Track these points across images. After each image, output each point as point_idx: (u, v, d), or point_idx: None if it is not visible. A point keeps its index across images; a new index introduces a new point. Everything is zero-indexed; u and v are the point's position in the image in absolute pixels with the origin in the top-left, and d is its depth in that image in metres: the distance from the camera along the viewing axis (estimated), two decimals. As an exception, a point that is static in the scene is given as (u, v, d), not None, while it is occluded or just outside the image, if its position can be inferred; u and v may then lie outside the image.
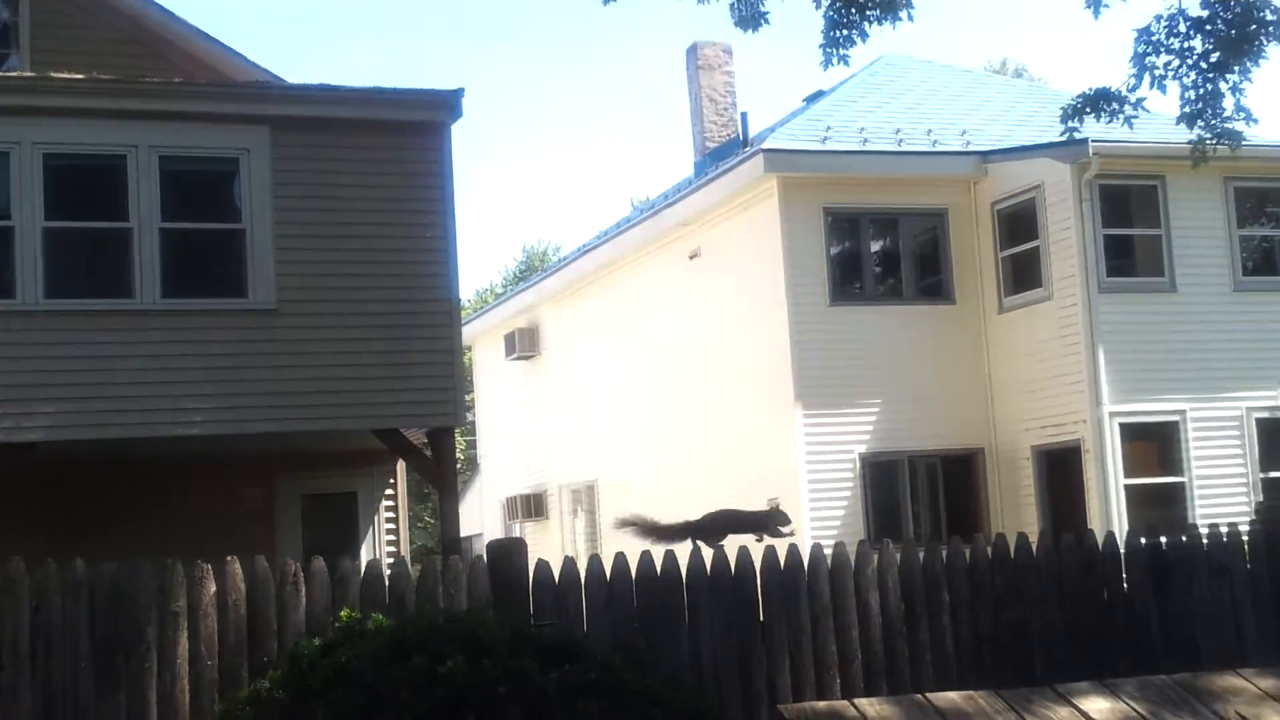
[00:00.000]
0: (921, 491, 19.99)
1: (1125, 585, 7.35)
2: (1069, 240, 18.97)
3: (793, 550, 7.00)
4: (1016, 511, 19.64)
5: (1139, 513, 18.20)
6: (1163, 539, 7.46)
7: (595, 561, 6.72)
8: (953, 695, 6.37)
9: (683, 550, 7.19)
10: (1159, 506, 18.66)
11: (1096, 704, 6.25)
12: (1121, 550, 7.39)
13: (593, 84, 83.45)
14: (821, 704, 6.41)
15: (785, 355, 19.51)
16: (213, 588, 6.33)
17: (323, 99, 14.71)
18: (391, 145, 14.70)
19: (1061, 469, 19.31)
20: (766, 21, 9.64)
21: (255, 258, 14.04)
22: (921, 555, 7.24)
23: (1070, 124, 10.92)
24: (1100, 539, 7.53)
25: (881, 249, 20.88)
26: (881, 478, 19.70)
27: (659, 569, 6.76)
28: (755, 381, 20.23)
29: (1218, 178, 19.08)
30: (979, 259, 20.40)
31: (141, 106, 13.83)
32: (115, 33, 16.61)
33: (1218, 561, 7.47)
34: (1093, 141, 17.98)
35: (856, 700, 6.36)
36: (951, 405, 20.03)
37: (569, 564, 6.71)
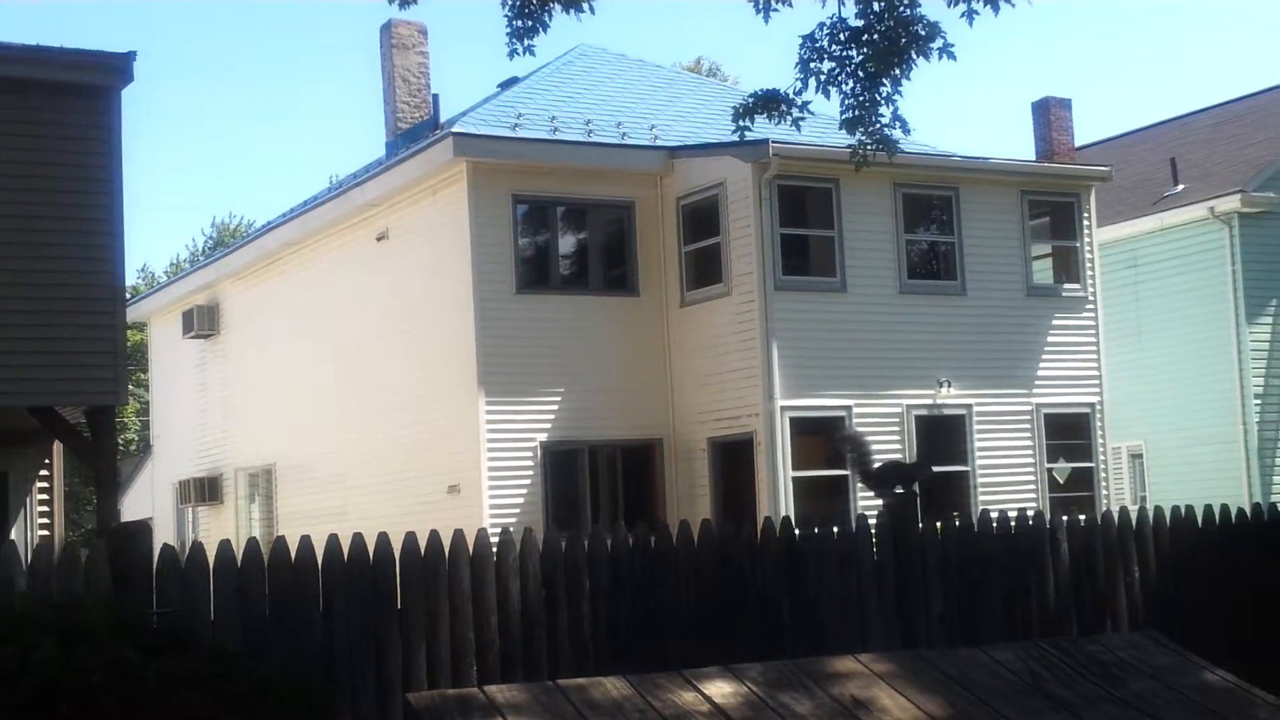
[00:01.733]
0: (602, 480, 20.27)
1: (761, 574, 7.58)
2: (748, 237, 19.50)
3: (433, 537, 6.95)
4: (692, 501, 20.12)
5: (806, 504, 18.90)
6: (796, 530, 7.72)
7: (225, 547, 6.52)
8: (582, 681, 6.45)
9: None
10: (825, 498, 19.41)
11: (720, 687, 6.42)
12: (758, 540, 7.61)
13: (297, 55, 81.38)
14: (451, 691, 6.39)
15: (470, 342, 19.44)
16: None
17: (-24, 54, 13.82)
18: (54, 109, 13.93)
19: (735, 460, 19.86)
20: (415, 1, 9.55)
21: (-103, 223, 13.10)
22: (564, 543, 7.30)
23: (741, 123, 11.17)
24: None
25: (570, 239, 21.04)
26: (562, 466, 19.87)
27: (293, 556, 6.60)
28: (440, 367, 20.10)
29: (887, 183, 19.96)
30: (664, 253, 20.77)
31: None
32: None
33: (846, 552, 7.79)
34: (773, 142, 18.53)
35: (487, 687, 6.36)
36: (633, 396, 20.34)
37: (196, 549, 6.48)
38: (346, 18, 76.22)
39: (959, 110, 76.34)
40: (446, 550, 6.95)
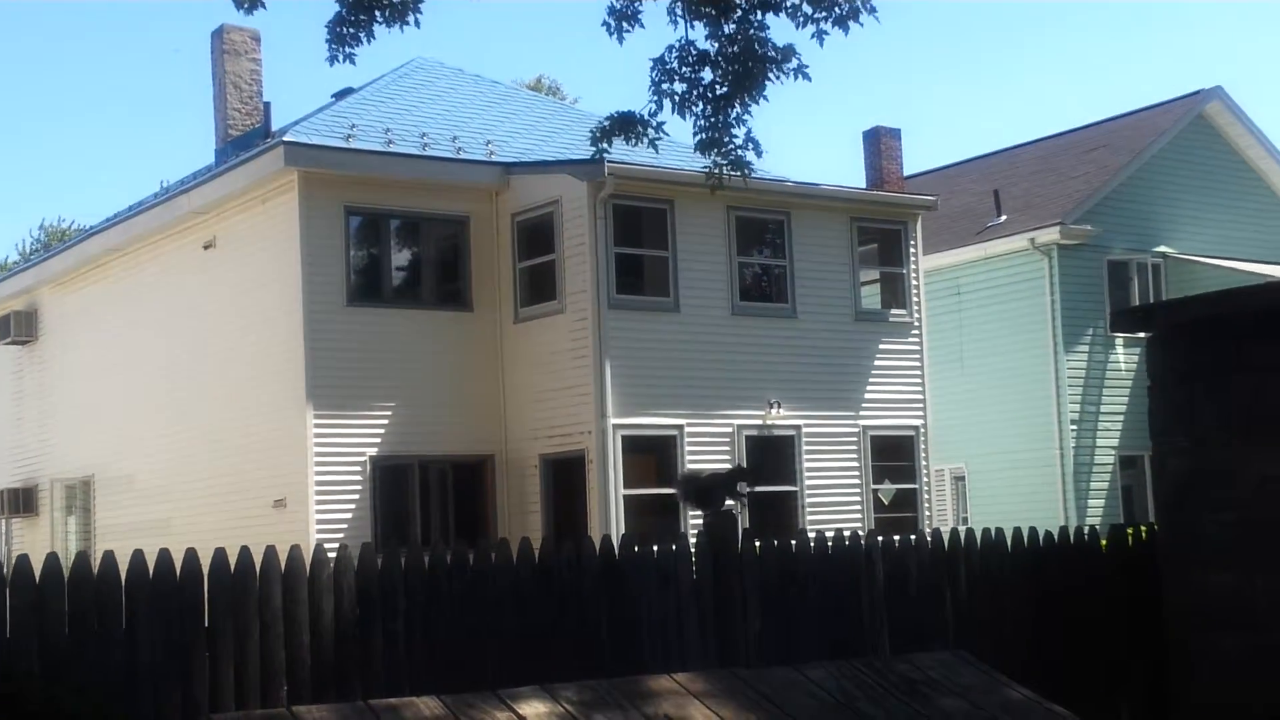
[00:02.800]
0: (432, 496, 20.09)
1: (581, 593, 7.55)
2: (583, 256, 19.54)
3: (244, 553, 6.78)
4: (524, 518, 20.05)
5: (637, 521, 18.96)
6: (616, 548, 7.71)
7: (23, 561, 6.27)
8: (394, 701, 6.34)
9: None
10: (656, 516, 19.48)
11: (535, 707, 6.37)
12: (578, 558, 7.57)
13: (131, 60, 79.20)
14: (258, 712, 6.24)
15: (299, 354, 19.15)
16: None
17: None
18: None
19: (567, 477, 19.86)
20: (263, 6, 9.38)
21: None
22: (380, 560, 7.18)
23: (600, 145, 11.10)
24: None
25: (403, 252, 20.86)
26: (392, 481, 19.65)
27: (95, 571, 6.38)
28: (267, 379, 19.74)
29: (721, 206, 20.18)
30: (498, 268, 20.70)
31: None
32: None
33: (666, 571, 7.80)
34: (609, 162, 18.54)
35: (296, 708, 6.22)
36: (465, 412, 20.21)
37: (-11, 564, 6.24)
38: (180, 20, 74.58)
39: (791, 137, 77.57)
40: (258, 567, 6.79)
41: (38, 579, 6.29)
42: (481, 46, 72.86)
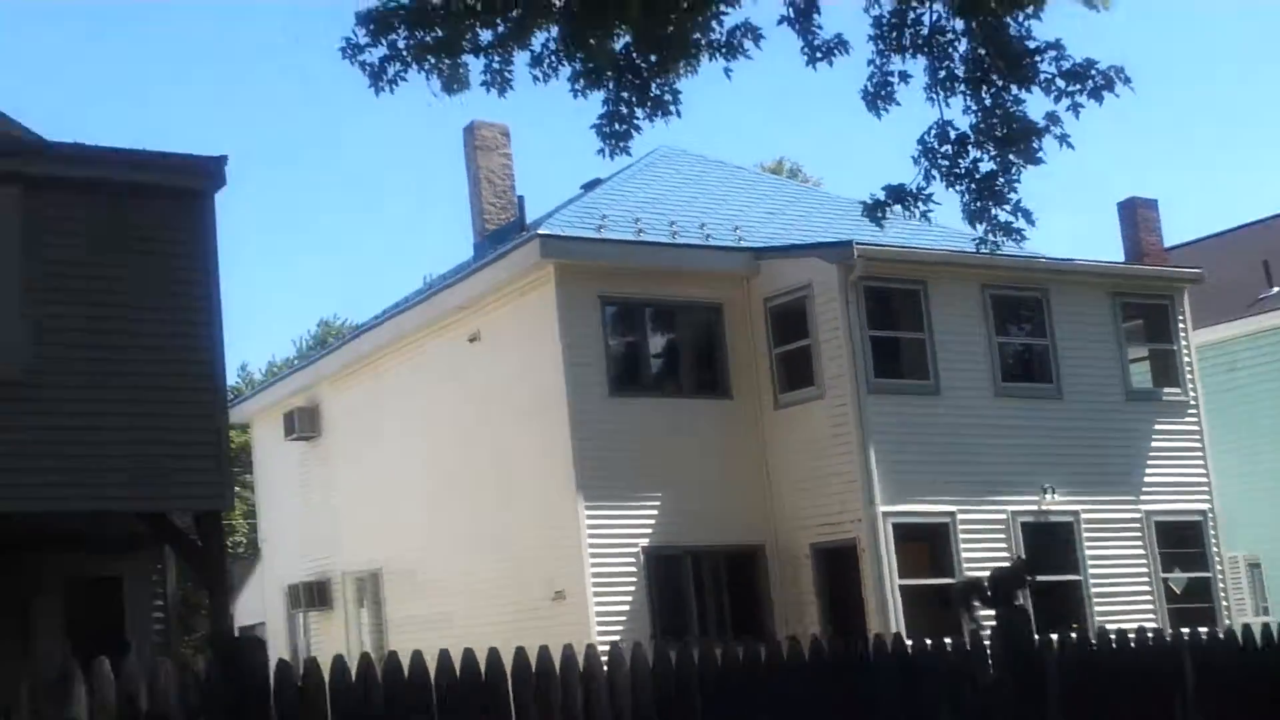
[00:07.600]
0: (706, 587, 19.56)
1: (874, 691, 7.38)
2: (838, 339, 19.21)
3: (543, 653, 6.85)
4: (799, 609, 19.51)
5: (914, 613, 18.33)
6: (909, 645, 7.53)
7: (339, 662, 6.47)
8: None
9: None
10: (933, 608, 18.78)
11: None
12: (871, 657, 7.42)
13: (391, 154, 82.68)
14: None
15: (566, 444, 19.06)
16: None
17: (72, 158, 14.08)
18: (153, 212, 14.18)
19: (839, 567, 19.27)
20: (511, 87, 9.80)
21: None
22: (675, 658, 7.16)
23: (876, 215, 11.22)
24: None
25: (659, 340, 20.75)
26: (666, 572, 19.21)
27: (406, 670, 6.54)
28: (536, 470, 19.72)
29: (975, 285, 19.71)
30: (755, 355, 20.45)
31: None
32: None
33: (961, 669, 7.57)
34: (858, 244, 18.36)
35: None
36: (732, 500, 19.77)
37: (311, 665, 6.44)
38: (432, 118, 77.53)
39: (1041, 213, 75.60)
40: (557, 666, 6.83)
41: (353, 678, 6.46)
42: (718, 130, 73.54)
